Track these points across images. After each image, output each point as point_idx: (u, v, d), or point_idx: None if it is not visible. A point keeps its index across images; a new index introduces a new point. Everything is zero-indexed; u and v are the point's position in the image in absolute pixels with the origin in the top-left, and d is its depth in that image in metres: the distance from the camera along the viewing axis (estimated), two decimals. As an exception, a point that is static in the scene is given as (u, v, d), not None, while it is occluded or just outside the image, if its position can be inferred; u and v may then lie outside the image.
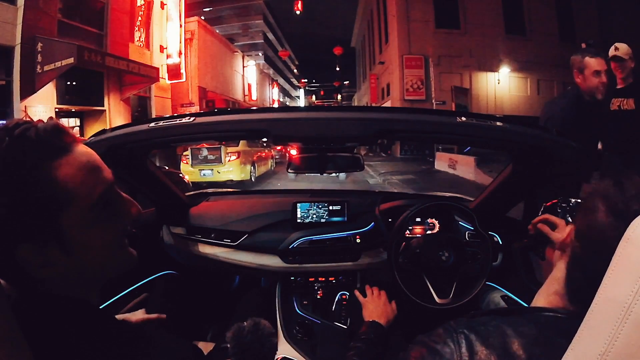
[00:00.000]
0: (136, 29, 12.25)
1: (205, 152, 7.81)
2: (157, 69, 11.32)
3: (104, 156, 0.51)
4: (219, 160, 7.78)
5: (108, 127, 1.06)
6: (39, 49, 8.40)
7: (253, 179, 8.75)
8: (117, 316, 0.66)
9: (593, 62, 1.92)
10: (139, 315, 0.87)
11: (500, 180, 1.29)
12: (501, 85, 16.82)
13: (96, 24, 10.51)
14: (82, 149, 0.47)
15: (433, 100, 13.60)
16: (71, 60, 8.03)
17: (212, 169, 7.81)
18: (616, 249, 0.38)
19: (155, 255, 1.46)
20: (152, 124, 0.98)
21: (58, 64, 8.15)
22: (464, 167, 9.73)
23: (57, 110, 9.27)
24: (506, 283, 1.34)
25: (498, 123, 0.94)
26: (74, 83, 9.77)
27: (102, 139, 1.00)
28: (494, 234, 1.34)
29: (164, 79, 13.10)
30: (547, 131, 0.99)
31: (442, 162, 11.58)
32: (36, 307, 0.45)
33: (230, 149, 7.94)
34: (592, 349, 0.37)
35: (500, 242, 1.35)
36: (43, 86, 8.40)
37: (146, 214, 1.47)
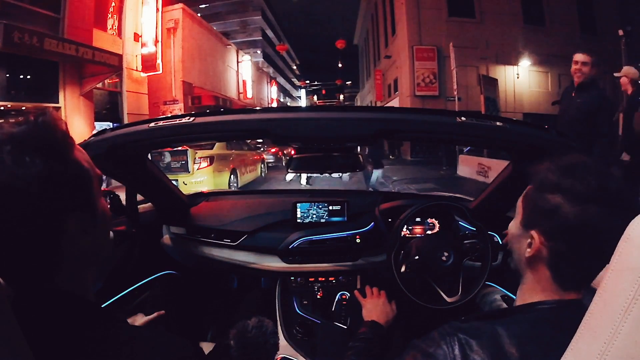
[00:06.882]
0: (109, 15, 10.53)
1: (168, 158, 5.96)
2: (120, 55, 9.44)
3: (104, 156, 0.61)
4: (185, 169, 5.93)
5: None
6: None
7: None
8: None
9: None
10: (138, 321, 0.94)
11: (501, 180, 1.30)
12: (520, 80, 15.71)
13: (51, 6, 8.73)
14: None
15: (455, 94, 11.45)
16: (-3, 43, 6.25)
17: (177, 180, 5.92)
18: (579, 228, 0.47)
19: (155, 255, 1.49)
20: (152, 124, 0.98)
21: (-18, 48, 6.37)
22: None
23: (-3, 108, 7.50)
24: (506, 283, 1.33)
25: (497, 123, 0.96)
26: (20, 75, 8.06)
27: (102, 139, 1.00)
28: (494, 234, 1.31)
29: (138, 71, 11.30)
30: (546, 131, 1.00)
31: (467, 168, 9.65)
32: (36, 306, 0.46)
33: (200, 153, 6.09)
34: (592, 348, 0.38)
35: (500, 242, 1.33)
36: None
37: (146, 214, 1.46)
